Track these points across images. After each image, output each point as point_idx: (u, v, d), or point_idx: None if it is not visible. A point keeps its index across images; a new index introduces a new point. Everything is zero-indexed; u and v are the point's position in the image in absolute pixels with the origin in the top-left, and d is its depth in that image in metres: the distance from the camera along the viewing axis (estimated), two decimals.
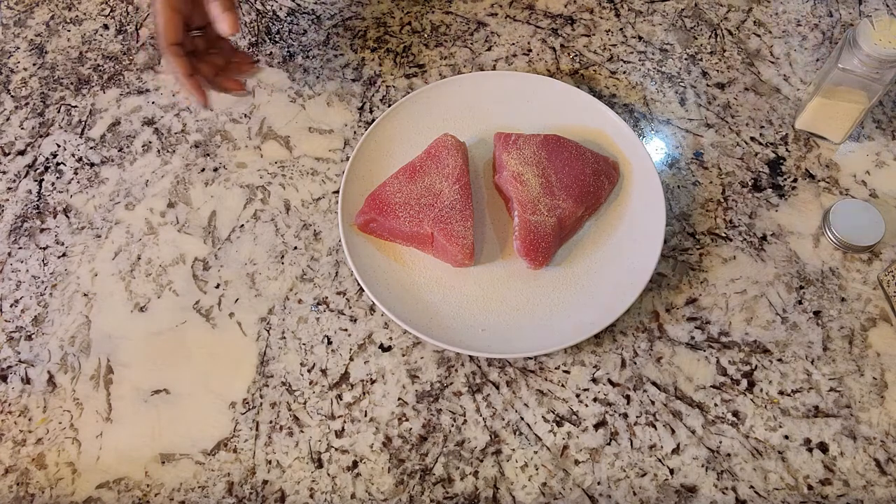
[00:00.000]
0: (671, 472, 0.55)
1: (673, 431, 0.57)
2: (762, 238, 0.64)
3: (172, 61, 0.61)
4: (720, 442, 0.56)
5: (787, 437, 0.56)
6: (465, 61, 0.75)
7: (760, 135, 0.69)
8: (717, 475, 0.55)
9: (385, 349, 0.61)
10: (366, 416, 0.58)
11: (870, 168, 0.67)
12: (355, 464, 0.57)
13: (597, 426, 0.57)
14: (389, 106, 0.71)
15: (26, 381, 0.61)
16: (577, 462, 0.56)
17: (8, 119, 0.75)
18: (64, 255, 0.67)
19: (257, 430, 0.58)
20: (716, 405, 0.57)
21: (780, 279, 0.62)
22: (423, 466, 0.56)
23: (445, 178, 0.63)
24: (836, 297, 0.61)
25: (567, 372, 0.59)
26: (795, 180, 0.67)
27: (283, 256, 0.65)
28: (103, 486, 0.57)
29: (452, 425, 0.58)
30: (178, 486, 0.56)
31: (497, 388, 0.59)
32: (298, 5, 0.80)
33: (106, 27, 0.81)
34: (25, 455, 0.58)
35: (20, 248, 0.67)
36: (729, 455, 0.56)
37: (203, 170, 0.70)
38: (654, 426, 0.57)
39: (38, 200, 0.70)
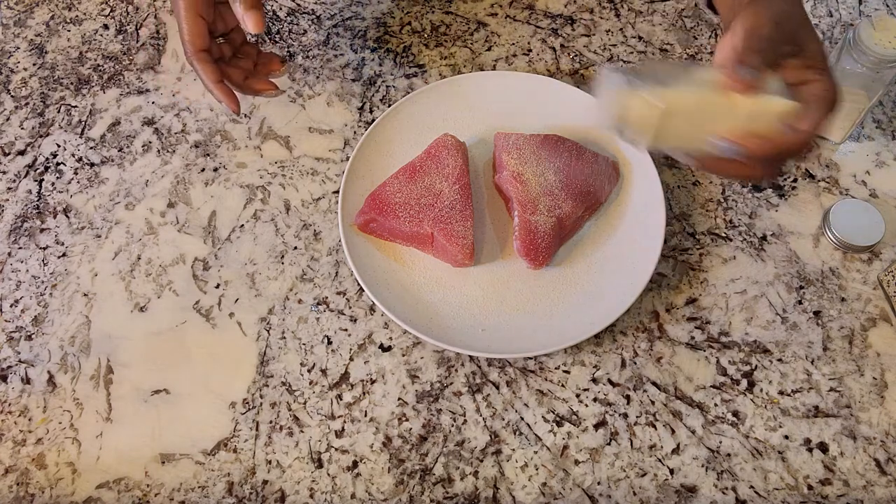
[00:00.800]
0: (671, 472, 0.55)
1: (673, 431, 0.57)
2: (762, 238, 0.64)
3: (201, 69, 0.60)
4: (720, 442, 0.56)
5: (787, 437, 0.56)
6: (465, 61, 0.75)
7: None
8: (717, 475, 0.55)
9: (385, 349, 0.61)
10: (366, 416, 0.58)
11: (870, 168, 0.67)
12: (355, 464, 0.57)
13: (597, 426, 0.57)
14: (389, 106, 0.71)
15: (26, 381, 0.61)
16: (577, 462, 0.56)
17: (8, 119, 0.75)
18: (64, 255, 0.67)
19: (257, 430, 0.58)
20: (716, 405, 0.57)
21: (780, 279, 0.62)
22: (423, 466, 0.56)
23: (445, 178, 0.63)
24: (836, 297, 0.61)
25: (567, 372, 0.59)
26: (795, 180, 0.67)
27: (283, 256, 0.65)
28: (103, 486, 0.57)
29: (452, 425, 0.58)
30: (178, 486, 0.56)
31: (497, 388, 0.59)
32: (298, 5, 0.80)
33: (106, 27, 0.81)
34: (25, 455, 0.58)
35: (20, 248, 0.67)
36: (729, 455, 0.56)
37: (203, 170, 0.70)
38: (654, 426, 0.57)
39: (38, 200, 0.70)
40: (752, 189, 0.66)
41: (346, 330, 0.62)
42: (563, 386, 0.59)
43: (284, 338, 0.62)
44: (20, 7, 0.83)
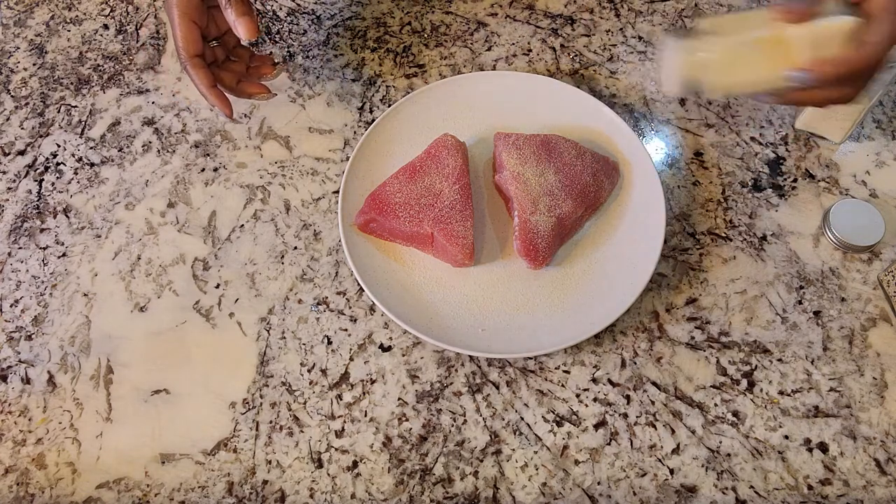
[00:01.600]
0: (671, 472, 0.55)
1: (673, 431, 0.57)
2: (762, 238, 0.64)
3: (194, 73, 0.61)
4: (720, 442, 0.56)
5: (787, 437, 0.56)
6: (465, 61, 0.75)
7: (760, 135, 0.69)
8: (717, 475, 0.55)
9: (385, 349, 0.61)
10: (366, 416, 0.58)
11: (870, 168, 0.67)
12: (355, 464, 0.57)
13: (597, 426, 0.57)
14: (389, 106, 0.71)
15: (26, 381, 0.61)
16: (577, 462, 0.56)
17: (8, 119, 0.75)
18: (64, 255, 0.67)
19: (257, 430, 0.58)
20: (716, 405, 0.57)
21: (780, 279, 0.62)
22: (423, 466, 0.56)
23: (445, 178, 0.63)
24: (836, 297, 0.61)
25: (567, 372, 0.59)
26: (795, 180, 0.67)
27: (283, 256, 0.65)
28: (103, 486, 0.57)
29: (452, 425, 0.58)
30: (178, 486, 0.56)
31: (497, 388, 0.59)
32: (298, 5, 0.80)
33: (106, 27, 0.81)
34: (25, 455, 0.58)
35: (20, 248, 0.67)
36: (729, 455, 0.56)
37: (203, 170, 0.70)
38: (654, 426, 0.57)
39: (38, 200, 0.70)
40: (751, 189, 0.66)
41: (346, 330, 0.62)
42: (563, 386, 0.59)
43: (284, 338, 0.62)
44: (20, 7, 0.83)
